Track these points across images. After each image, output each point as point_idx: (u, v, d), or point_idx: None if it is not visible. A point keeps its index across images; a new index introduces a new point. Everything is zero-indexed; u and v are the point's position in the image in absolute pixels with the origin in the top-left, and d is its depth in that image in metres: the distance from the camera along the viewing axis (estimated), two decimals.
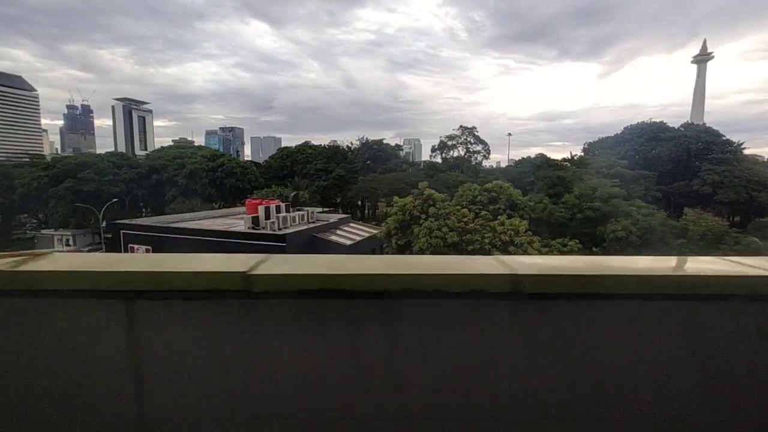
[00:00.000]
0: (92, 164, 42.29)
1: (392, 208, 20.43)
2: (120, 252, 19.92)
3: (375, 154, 62.64)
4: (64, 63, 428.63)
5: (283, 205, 21.79)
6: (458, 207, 19.68)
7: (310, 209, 23.91)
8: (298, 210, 24.12)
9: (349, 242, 18.71)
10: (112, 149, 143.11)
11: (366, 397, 1.09)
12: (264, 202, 24.29)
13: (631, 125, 58.29)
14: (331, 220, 20.77)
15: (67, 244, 46.15)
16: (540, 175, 54.88)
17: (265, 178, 59.08)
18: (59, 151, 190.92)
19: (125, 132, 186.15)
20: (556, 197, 36.64)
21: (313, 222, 22.72)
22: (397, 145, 67.94)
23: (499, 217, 18.74)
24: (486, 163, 70.11)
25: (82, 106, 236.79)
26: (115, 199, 37.92)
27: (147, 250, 18.77)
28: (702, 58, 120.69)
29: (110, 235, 36.17)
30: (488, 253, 16.73)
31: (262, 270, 1.06)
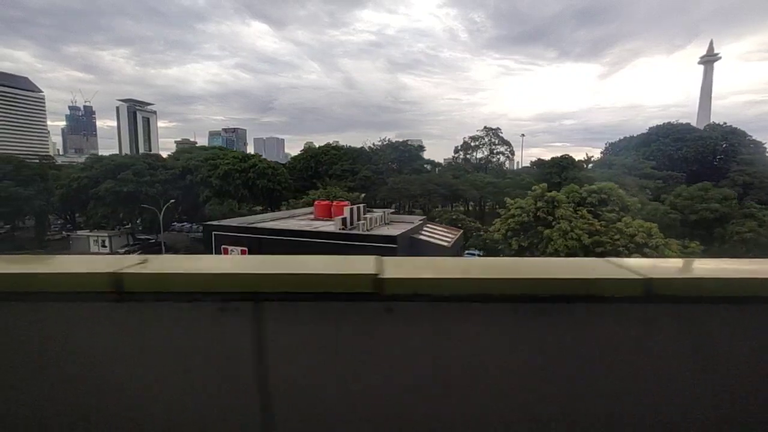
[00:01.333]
0: (131, 165, 42.23)
1: (510, 210, 20.66)
2: (212, 254, 19.92)
3: (400, 155, 62.83)
4: (65, 64, 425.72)
5: (361, 207, 21.97)
6: (570, 209, 19.76)
7: (382, 210, 24.08)
8: (369, 211, 24.29)
9: (446, 243, 18.89)
10: (116, 150, 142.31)
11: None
12: (335, 204, 24.41)
13: (657, 125, 58.68)
14: (417, 223, 20.94)
15: (103, 246, 46.12)
16: (568, 176, 55.16)
17: (292, 179, 59.07)
18: (61, 152, 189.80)
19: (130, 133, 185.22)
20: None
21: (388, 223, 22.88)
22: (420, 146, 68.06)
23: (623, 218, 18.53)
24: (508, 164, 70.55)
25: (85, 107, 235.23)
26: (173, 200, 37.85)
27: (242, 252, 18.85)
28: (709, 59, 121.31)
29: (156, 238, 36.11)
30: (619, 255, 16.98)
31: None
